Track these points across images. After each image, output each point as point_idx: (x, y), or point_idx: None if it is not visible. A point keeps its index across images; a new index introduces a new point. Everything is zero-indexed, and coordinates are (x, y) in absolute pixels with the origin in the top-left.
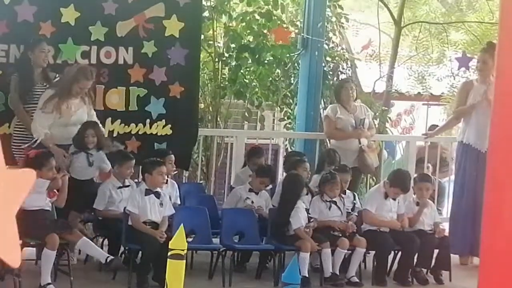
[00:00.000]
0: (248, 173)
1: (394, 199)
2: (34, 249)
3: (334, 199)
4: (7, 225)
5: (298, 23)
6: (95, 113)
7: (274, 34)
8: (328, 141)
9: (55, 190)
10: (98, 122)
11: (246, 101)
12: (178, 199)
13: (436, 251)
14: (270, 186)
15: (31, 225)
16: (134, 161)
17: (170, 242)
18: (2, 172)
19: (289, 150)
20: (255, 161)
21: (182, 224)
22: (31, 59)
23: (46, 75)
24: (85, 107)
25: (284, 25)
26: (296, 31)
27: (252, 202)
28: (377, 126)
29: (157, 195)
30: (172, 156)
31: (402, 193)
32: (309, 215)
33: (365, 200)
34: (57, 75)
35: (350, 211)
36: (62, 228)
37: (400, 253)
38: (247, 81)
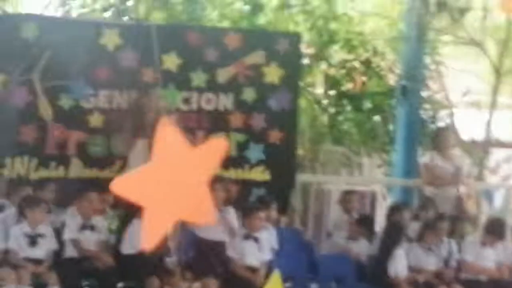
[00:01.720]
0: (344, 218)
1: (492, 248)
2: None
3: (431, 247)
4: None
5: (397, 70)
6: None
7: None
8: (425, 189)
9: None
10: None
11: (345, 148)
12: (276, 244)
13: None
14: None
15: (129, 267)
16: None
17: None
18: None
19: (386, 197)
20: (347, 199)
21: (276, 271)
22: (144, 104)
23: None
24: None
25: (383, 73)
26: (395, 78)
27: (352, 249)
28: (475, 174)
29: (256, 239)
30: (275, 203)
31: (499, 240)
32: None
33: (463, 248)
34: None
35: (447, 259)
36: (163, 272)
37: None
38: (345, 127)
